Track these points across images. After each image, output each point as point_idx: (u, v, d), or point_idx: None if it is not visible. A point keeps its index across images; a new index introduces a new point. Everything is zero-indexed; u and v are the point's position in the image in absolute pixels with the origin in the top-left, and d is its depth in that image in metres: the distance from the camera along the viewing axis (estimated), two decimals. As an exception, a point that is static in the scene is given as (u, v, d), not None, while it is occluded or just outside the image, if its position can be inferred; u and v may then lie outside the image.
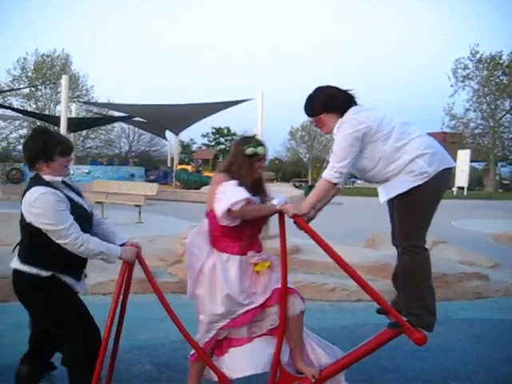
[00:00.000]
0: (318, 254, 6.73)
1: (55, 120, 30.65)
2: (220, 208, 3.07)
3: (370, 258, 7.20)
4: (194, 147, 79.82)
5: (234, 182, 3.15)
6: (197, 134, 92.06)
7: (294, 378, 3.28)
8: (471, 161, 42.58)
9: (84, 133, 51.20)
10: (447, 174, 3.22)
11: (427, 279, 3.22)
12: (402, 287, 3.30)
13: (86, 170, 25.76)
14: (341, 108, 3.26)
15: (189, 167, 35.81)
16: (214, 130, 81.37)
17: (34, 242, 3.06)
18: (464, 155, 39.81)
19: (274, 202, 3.20)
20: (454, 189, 39.03)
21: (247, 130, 3.45)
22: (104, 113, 46.08)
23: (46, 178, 3.07)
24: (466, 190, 39.36)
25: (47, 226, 2.93)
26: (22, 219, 3.04)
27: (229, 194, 3.08)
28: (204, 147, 78.03)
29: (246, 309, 3.19)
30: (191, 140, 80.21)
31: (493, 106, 52.69)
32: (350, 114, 3.22)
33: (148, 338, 4.72)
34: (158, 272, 6.89)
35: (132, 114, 32.86)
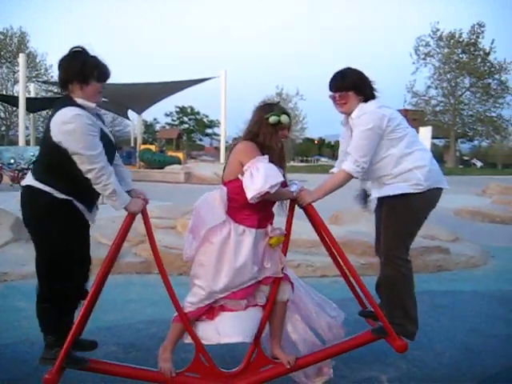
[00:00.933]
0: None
1: (13, 100, 29.79)
2: (255, 188, 2.94)
3: (335, 234, 7.26)
4: (158, 127, 78.96)
5: (266, 159, 3.05)
6: (160, 113, 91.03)
7: (269, 361, 3.31)
8: (432, 137, 43.29)
9: (44, 113, 49.88)
10: (438, 194, 3.28)
11: (410, 290, 3.29)
12: (384, 297, 3.34)
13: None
14: (367, 94, 3.26)
15: (152, 147, 35.36)
16: (177, 109, 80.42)
17: (54, 163, 2.95)
18: (426, 132, 40.17)
19: (292, 188, 3.21)
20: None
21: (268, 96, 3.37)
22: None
23: (79, 101, 2.96)
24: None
25: (77, 148, 2.83)
26: (47, 137, 2.91)
27: (266, 175, 2.95)
28: (167, 126, 77.07)
29: (249, 283, 3.15)
30: (154, 119, 79.32)
31: (453, 84, 53.56)
32: (373, 105, 3.21)
33: (114, 318, 4.69)
34: (123, 252, 6.81)
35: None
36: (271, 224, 3.23)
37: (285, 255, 3.26)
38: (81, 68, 2.94)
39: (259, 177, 2.94)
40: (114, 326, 4.46)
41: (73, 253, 3.10)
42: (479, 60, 52.69)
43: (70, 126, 2.82)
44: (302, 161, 67.49)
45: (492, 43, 51.95)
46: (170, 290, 3.20)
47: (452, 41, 52.84)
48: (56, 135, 2.86)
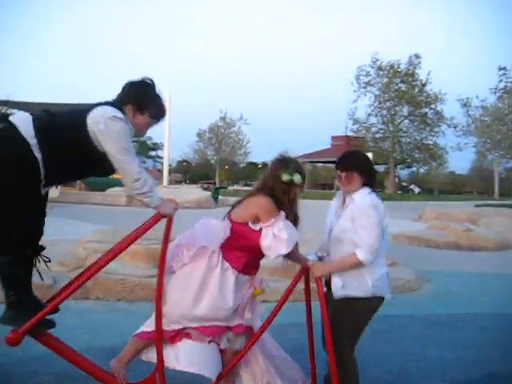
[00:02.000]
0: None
1: None
2: (279, 251, 3.05)
3: (274, 259, 7.33)
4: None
5: (283, 216, 3.11)
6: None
7: None
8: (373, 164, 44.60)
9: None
10: (381, 303, 3.39)
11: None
12: None
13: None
14: (370, 182, 3.38)
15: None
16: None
17: (64, 136, 2.89)
18: (366, 158, 41.73)
19: (310, 257, 3.35)
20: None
21: (288, 149, 3.39)
22: (3, 111, 43.62)
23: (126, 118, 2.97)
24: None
25: (118, 145, 2.84)
26: (78, 116, 2.90)
27: (288, 239, 3.04)
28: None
29: (221, 323, 3.11)
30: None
31: (392, 112, 55.36)
32: (376, 199, 3.30)
33: (45, 348, 4.53)
34: (59, 277, 6.62)
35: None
36: (254, 274, 3.27)
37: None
38: (141, 98, 3.05)
39: (283, 240, 3.03)
40: (47, 354, 4.27)
41: (24, 206, 2.93)
42: (417, 90, 54.78)
43: (116, 123, 2.87)
44: (245, 185, 67.89)
45: (428, 74, 54.32)
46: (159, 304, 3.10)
47: (391, 71, 54.81)
48: (95, 124, 2.86)
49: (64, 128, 2.93)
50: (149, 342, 3.22)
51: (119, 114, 2.92)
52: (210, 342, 3.15)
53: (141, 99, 3.05)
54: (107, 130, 2.86)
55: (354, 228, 3.21)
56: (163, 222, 3.09)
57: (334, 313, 3.30)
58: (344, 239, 3.27)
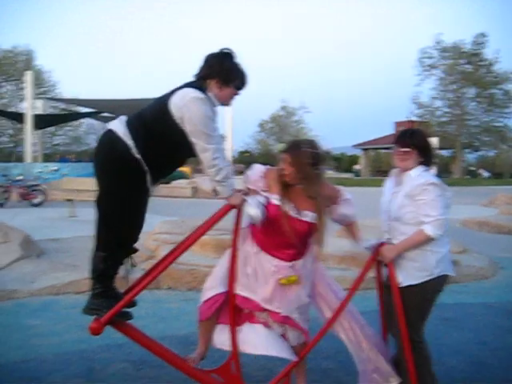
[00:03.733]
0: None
1: (21, 117, 30.03)
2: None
3: (343, 247, 7.27)
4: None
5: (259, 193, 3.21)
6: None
7: None
8: (438, 148, 43.26)
9: (51, 129, 50.20)
10: (446, 281, 3.29)
11: (428, 368, 3.29)
12: (404, 377, 3.30)
13: (55, 168, 25.20)
14: (427, 160, 3.33)
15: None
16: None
17: (154, 128, 2.97)
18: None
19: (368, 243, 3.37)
20: (433, 170, 39.63)
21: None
22: (72, 109, 45.27)
23: (209, 94, 3.03)
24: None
25: (199, 125, 2.89)
26: (162, 104, 2.96)
27: (252, 212, 3.08)
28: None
29: (250, 296, 3.19)
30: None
31: (458, 94, 53.49)
32: (432, 176, 3.26)
33: (123, 336, 4.69)
34: (131, 268, 6.82)
35: (100, 109, 32.36)
36: (283, 259, 3.18)
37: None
38: (227, 71, 3.06)
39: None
40: (124, 342, 4.44)
41: (131, 209, 3.08)
42: (483, 70, 52.68)
43: (196, 105, 2.89)
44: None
45: (496, 53, 52.08)
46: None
47: (456, 51, 52.90)
48: (178, 108, 2.91)
49: (152, 122, 2.99)
50: (212, 321, 3.28)
51: (200, 95, 2.93)
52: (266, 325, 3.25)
53: (226, 72, 3.05)
54: (188, 113, 2.89)
55: (416, 205, 3.16)
56: (232, 213, 3.13)
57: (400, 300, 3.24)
58: (403, 216, 3.23)
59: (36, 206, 17.97)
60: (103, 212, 3.07)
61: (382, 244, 3.32)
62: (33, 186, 19.12)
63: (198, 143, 2.93)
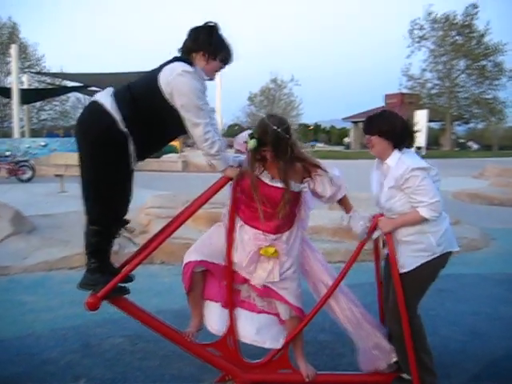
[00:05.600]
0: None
1: (6, 92, 29.56)
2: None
3: (336, 219, 7.27)
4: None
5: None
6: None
7: (289, 366, 3.32)
8: (428, 120, 43.26)
9: (38, 104, 49.52)
10: (449, 257, 3.24)
11: (423, 343, 3.25)
12: (398, 352, 3.28)
13: (43, 143, 24.86)
14: (399, 143, 3.21)
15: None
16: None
17: (144, 104, 2.91)
18: (421, 115, 40.46)
19: (360, 223, 3.24)
20: (413, 149, 39.65)
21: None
22: (58, 83, 44.63)
23: (197, 68, 2.97)
24: (424, 149, 40.09)
25: (189, 100, 2.82)
26: (152, 80, 2.89)
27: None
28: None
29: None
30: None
31: (448, 66, 53.26)
32: (408, 158, 3.14)
33: (118, 311, 4.68)
34: (123, 243, 6.80)
35: (87, 83, 31.92)
36: (263, 230, 3.14)
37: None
38: (214, 43, 2.99)
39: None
40: (119, 318, 4.41)
41: (116, 183, 3.03)
42: (474, 42, 52.30)
43: (185, 78, 2.83)
44: (298, 147, 67.22)
45: (487, 24, 51.75)
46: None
47: (446, 23, 52.50)
48: (166, 83, 2.84)
49: (141, 97, 2.92)
50: (197, 292, 3.30)
51: (188, 68, 2.87)
52: (260, 311, 3.29)
53: (212, 45, 2.99)
54: (177, 87, 2.83)
55: (405, 195, 3.09)
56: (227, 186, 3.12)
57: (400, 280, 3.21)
58: (393, 206, 3.16)
59: (25, 181, 17.81)
60: (88, 185, 3.01)
61: (376, 216, 3.26)
62: (21, 161, 18.91)
63: (189, 118, 2.87)
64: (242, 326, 3.27)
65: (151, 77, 2.92)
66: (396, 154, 3.18)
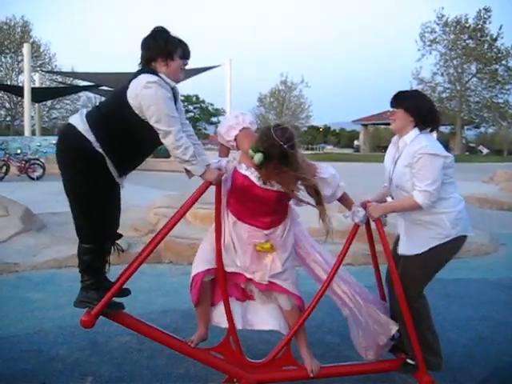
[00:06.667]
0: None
1: (18, 90, 29.77)
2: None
3: (345, 222, 7.26)
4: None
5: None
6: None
7: (293, 363, 3.32)
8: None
9: (49, 103, 49.81)
10: (463, 241, 3.23)
11: (428, 324, 3.27)
12: (403, 332, 3.29)
13: (54, 141, 24.98)
14: (422, 122, 3.21)
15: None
16: (182, 98, 79.98)
17: (115, 121, 2.94)
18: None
19: (359, 214, 3.23)
20: (435, 134, 39.52)
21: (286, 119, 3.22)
22: (69, 82, 44.88)
23: (162, 76, 2.98)
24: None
25: (158, 110, 2.83)
26: (121, 96, 2.91)
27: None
28: (173, 115, 76.42)
29: (234, 269, 3.22)
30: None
31: (459, 70, 53.09)
32: (425, 139, 3.13)
33: (126, 309, 4.69)
34: (133, 242, 6.84)
35: (98, 82, 32.07)
36: (256, 226, 3.16)
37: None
38: (165, 45, 3.00)
39: None
40: (126, 316, 4.48)
41: (100, 202, 3.06)
42: (486, 46, 52.16)
43: (151, 89, 2.84)
44: (307, 149, 67.32)
45: (500, 29, 51.51)
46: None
47: (458, 26, 52.32)
48: (134, 97, 2.87)
49: (111, 115, 2.96)
50: (205, 303, 3.32)
51: (153, 78, 2.88)
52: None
53: (165, 47, 3.00)
54: (144, 99, 2.84)
55: (412, 174, 3.10)
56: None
57: (411, 265, 3.21)
58: (404, 185, 3.17)
59: (35, 179, 17.92)
60: (75, 205, 3.05)
61: (366, 202, 3.27)
62: (32, 159, 19.04)
63: (160, 128, 2.87)
64: (251, 316, 3.31)
65: (119, 94, 2.95)
66: (415, 131, 3.19)
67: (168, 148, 2.93)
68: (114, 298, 3.08)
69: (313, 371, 3.26)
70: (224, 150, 3.43)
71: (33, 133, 29.18)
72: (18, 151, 20.51)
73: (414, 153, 3.07)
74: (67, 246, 6.76)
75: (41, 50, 52.24)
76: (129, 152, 3.03)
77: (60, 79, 44.80)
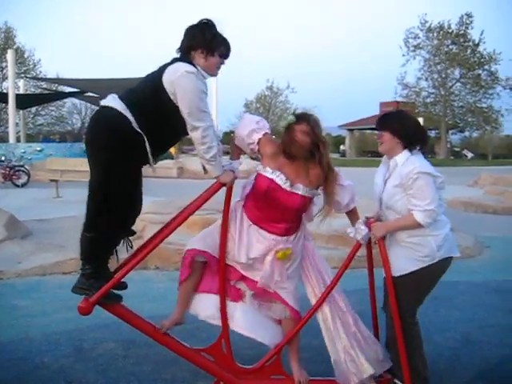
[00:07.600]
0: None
1: (2, 97, 29.53)
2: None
3: (331, 226, 7.28)
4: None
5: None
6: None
7: (282, 372, 3.31)
8: (424, 129, 43.40)
9: (34, 109, 49.41)
10: (449, 262, 3.25)
11: (418, 349, 3.26)
12: (394, 357, 3.28)
13: (39, 148, 24.82)
14: (410, 144, 3.20)
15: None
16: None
17: (151, 105, 2.91)
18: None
19: (362, 232, 3.21)
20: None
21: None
22: (54, 88, 44.60)
23: (198, 67, 2.96)
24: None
25: (190, 102, 2.83)
26: (157, 80, 2.89)
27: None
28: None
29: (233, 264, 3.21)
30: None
31: (443, 75, 53.51)
32: (417, 160, 3.14)
33: (111, 316, 4.67)
34: (118, 249, 6.78)
35: (83, 89, 31.91)
36: (276, 234, 3.15)
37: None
38: (211, 39, 3.00)
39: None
40: (112, 322, 4.41)
41: (133, 186, 3.06)
42: (469, 51, 52.60)
43: (188, 79, 2.84)
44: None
45: (481, 34, 52.04)
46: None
47: (441, 32, 52.81)
48: (170, 82, 2.85)
49: (147, 98, 2.93)
50: (191, 283, 3.26)
51: (191, 69, 2.88)
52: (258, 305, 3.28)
53: (210, 41, 3.00)
54: (180, 88, 2.84)
55: (407, 196, 3.09)
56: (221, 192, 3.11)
57: (398, 286, 3.20)
58: (395, 205, 3.17)
59: (20, 186, 17.77)
60: (99, 191, 2.97)
61: (370, 221, 3.25)
62: (16, 166, 18.88)
63: (189, 120, 2.88)
64: (240, 318, 3.25)
65: (154, 78, 2.94)
66: (406, 153, 3.19)
67: (193, 141, 2.95)
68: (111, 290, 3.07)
69: (300, 382, 3.24)
70: (236, 153, 3.42)
71: (17, 139, 28.94)
72: (3, 158, 20.30)
73: (408, 173, 3.07)
74: (52, 253, 6.72)
75: (25, 56, 51.82)
76: (165, 134, 3.03)
77: (45, 85, 44.52)
